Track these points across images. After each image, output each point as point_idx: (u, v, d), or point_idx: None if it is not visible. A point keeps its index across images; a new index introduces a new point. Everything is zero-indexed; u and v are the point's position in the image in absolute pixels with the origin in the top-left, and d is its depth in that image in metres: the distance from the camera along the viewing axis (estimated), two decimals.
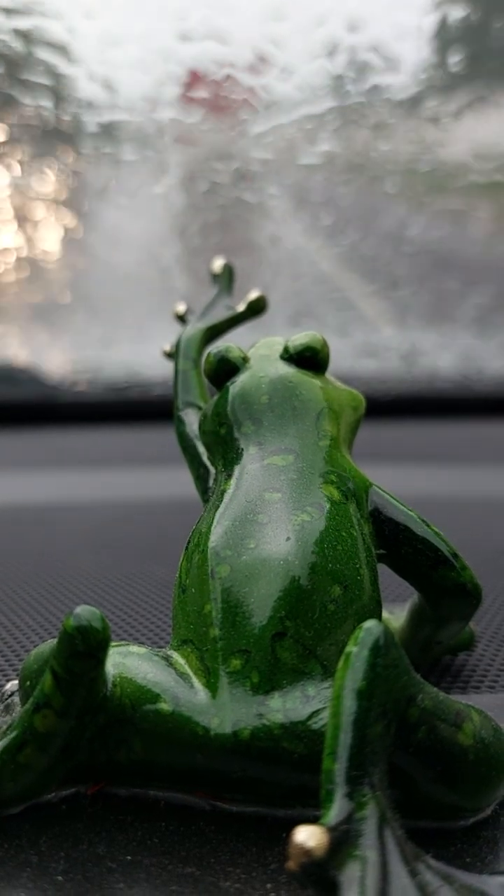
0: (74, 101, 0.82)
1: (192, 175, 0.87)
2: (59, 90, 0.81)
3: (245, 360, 0.30)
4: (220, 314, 0.37)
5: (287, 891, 0.20)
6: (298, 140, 0.85)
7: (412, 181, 0.90)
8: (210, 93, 0.82)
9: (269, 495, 0.26)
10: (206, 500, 0.29)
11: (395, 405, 0.70)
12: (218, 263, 0.38)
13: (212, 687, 0.23)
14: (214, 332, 0.36)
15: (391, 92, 0.83)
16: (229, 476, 0.27)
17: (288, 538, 0.24)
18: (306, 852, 0.17)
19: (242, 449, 0.28)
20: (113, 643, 0.23)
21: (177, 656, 0.24)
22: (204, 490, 0.30)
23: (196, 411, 0.33)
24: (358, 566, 0.25)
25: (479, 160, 0.87)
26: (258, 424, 0.28)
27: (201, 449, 0.31)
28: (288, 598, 0.23)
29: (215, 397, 0.30)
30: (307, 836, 0.17)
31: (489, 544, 0.44)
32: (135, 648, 0.24)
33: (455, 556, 0.27)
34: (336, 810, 0.18)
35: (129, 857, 0.22)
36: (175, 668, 0.23)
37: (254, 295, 0.36)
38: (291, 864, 0.17)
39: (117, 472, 0.60)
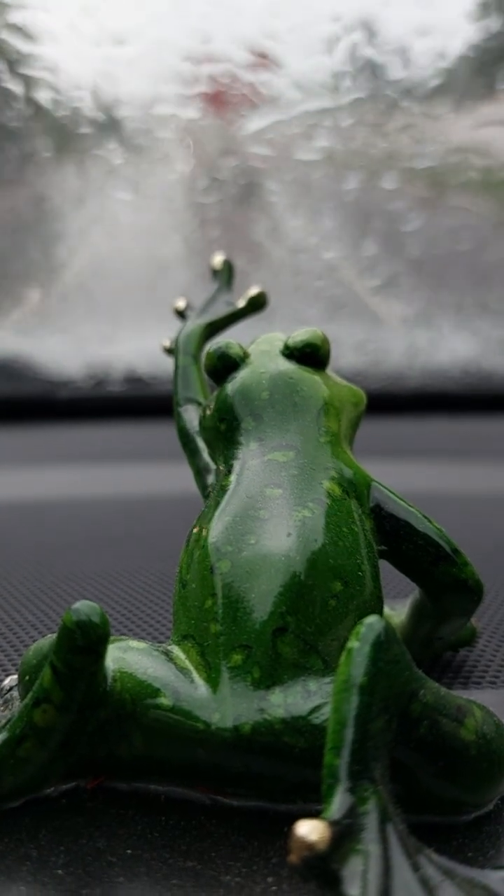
0: (74, 97, 0.82)
1: (196, 172, 0.87)
2: (56, 86, 0.80)
3: (245, 356, 0.30)
4: (220, 310, 0.37)
5: (289, 885, 0.20)
6: (298, 137, 0.85)
7: (414, 176, 0.90)
8: (218, 90, 0.82)
9: (270, 491, 0.26)
10: (206, 496, 0.29)
11: (396, 401, 0.70)
12: (218, 259, 0.38)
13: (213, 682, 0.23)
14: (214, 328, 0.36)
15: (401, 88, 0.83)
16: (230, 472, 0.27)
17: (289, 534, 0.24)
18: (308, 846, 0.17)
19: (243, 445, 0.28)
20: (112, 638, 0.23)
21: (177, 651, 0.24)
22: (204, 486, 0.30)
23: (196, 407, 0.33)
24: (359, 562, 0.25)
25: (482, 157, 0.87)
26: (259, 420, 0.28)
27: (202, 445, 0.31)
28: (289, 594, 0.23)
29: (216, 393, 0.30)
30: (309, 829, 0.17)
31: (490, 540, 0.44)
32: (135, 643, 0.24)
33: (456, 552, 0.27)
34: (338, 804, 0.18)
35: (129, 852, 0.22)
36: (175, 663, 0.23)
37: (254, 291, 0.36)
38: (293, 858, 0.17)
39: (117, 468, 0.60)
